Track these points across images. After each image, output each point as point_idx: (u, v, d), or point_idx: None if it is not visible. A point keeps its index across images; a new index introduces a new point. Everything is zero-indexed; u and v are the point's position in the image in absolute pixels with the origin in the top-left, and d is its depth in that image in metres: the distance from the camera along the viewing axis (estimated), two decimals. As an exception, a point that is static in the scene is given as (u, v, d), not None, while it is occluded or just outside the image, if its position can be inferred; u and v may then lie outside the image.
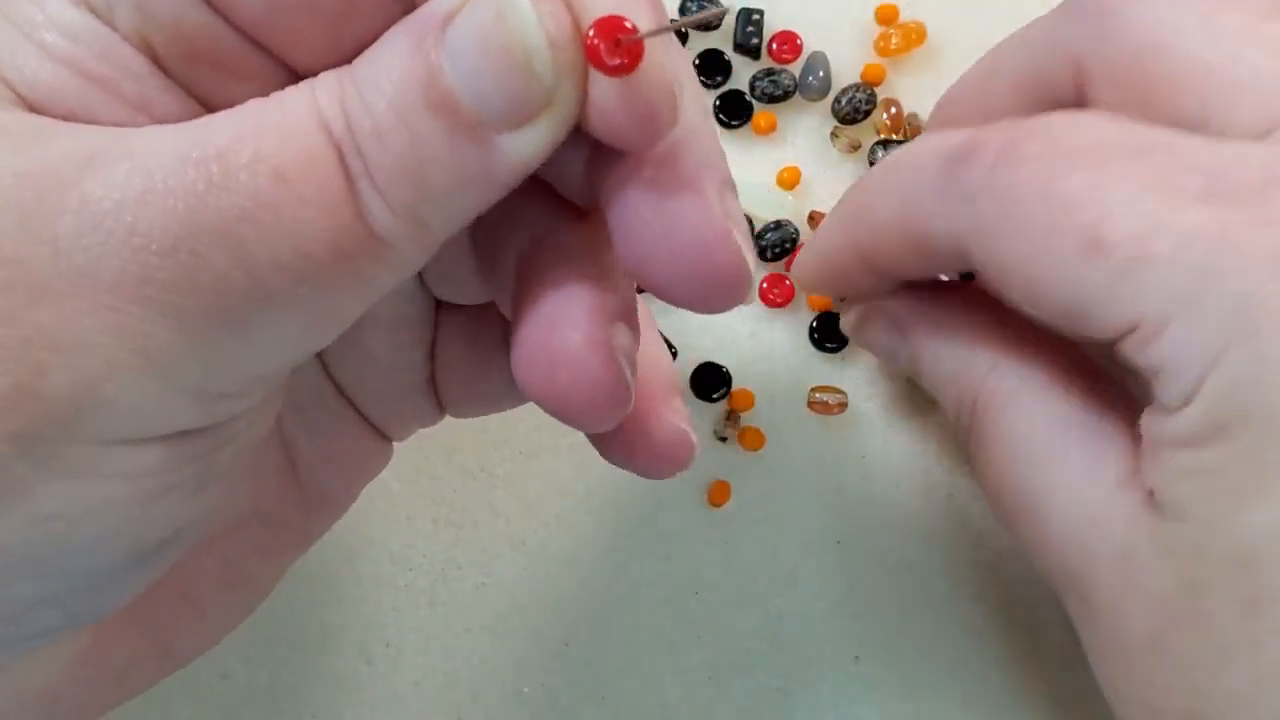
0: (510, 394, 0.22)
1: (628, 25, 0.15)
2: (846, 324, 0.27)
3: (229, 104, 0.16)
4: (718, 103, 0.30)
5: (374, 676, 0.29)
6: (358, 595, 0.29)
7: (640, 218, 0.16)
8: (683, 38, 0.30)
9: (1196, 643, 0.19)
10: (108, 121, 0.16)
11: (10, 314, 0.14)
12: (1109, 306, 0.19)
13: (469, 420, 0.29)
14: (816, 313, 0.29)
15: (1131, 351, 0.19)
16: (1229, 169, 0.19)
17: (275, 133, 0.15)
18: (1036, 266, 0.20)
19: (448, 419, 0.29)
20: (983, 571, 0.29)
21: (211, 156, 0.14)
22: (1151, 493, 0.20)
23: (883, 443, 0.29)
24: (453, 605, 0.29)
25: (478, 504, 0.29)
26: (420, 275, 0.20)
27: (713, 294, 0.17)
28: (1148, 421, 0.20)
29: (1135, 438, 0.21)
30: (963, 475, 0.29)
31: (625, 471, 0.29)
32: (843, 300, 0.28)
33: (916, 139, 0.24)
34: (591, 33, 0.15)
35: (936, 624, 0.29)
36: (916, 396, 0.29)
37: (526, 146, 0.16)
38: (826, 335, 0.29)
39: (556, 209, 0.19)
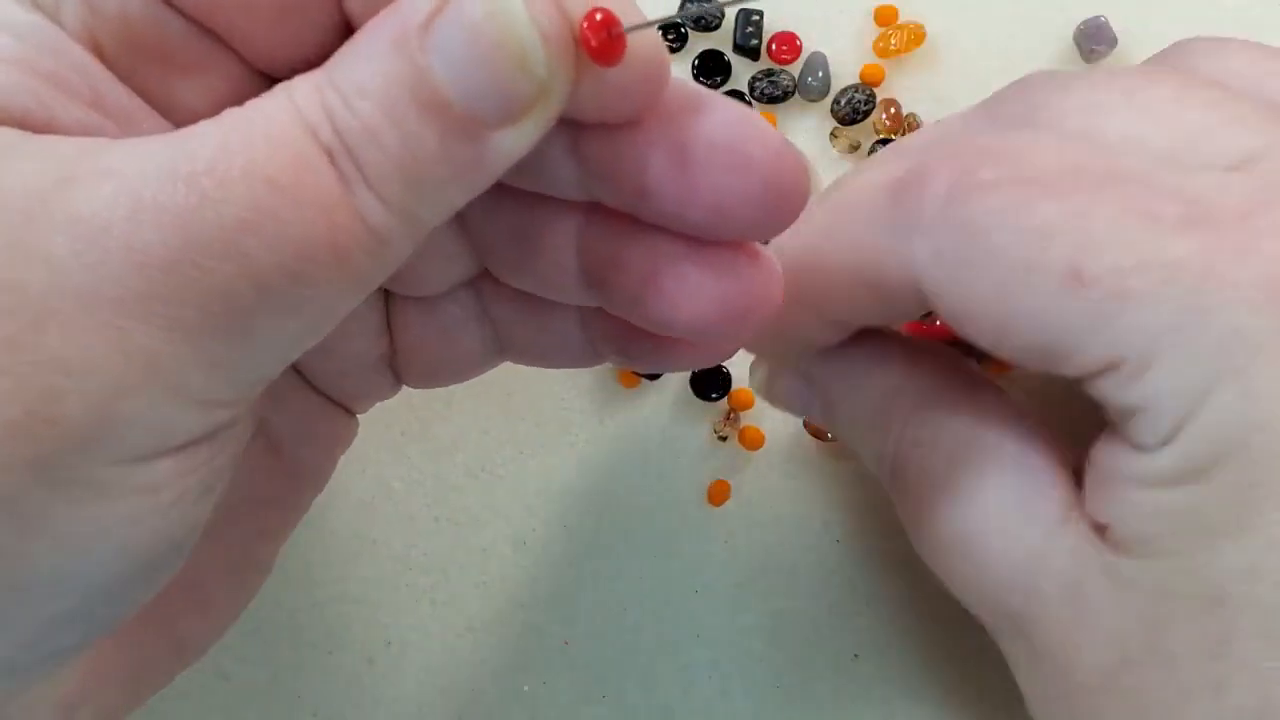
0: (468, 370, 0.23)
1: (618, 18, 0.15)
2: (756, 383, 0.26)
3: (178, 103, 0.17)
4: (717, 103, 0.30)
5: (375, 676, 0.29)
6: (359, 594, 0.29)
7: (696, 157, 0.17)
8: (683, 38, 0.30)
9: (1156, 681, 0.18)
10: (66, 121, 0.16)
11: (16, 340, 0.14)
12: (1090, 343, 0.18)
13: (470, 420, 0.29)
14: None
15: (1110, 390, 0.18)
16: (1207, 195, 0.18)
17: (262, 141, 0.15)
18: (1008, 303, 0.18)
19: (448, 419, 0.29)
20: (982, 571, 0.29)
21: (201, 171, 0.14)
22: (1103, 526, 0.19)
23: (882, 442, 0.29)
24: (453, 604, 0.29)
25: (478, 504, 0.29)
26: None
27: (791, 190, 0.17)
28: (1107, 457, 0.19)
29: (1066, 469, 0.20)
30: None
31: (625, 471, 0.29)
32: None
33: (850, 172, 0.22)
34: (584, 26, 0.15)
35: (936, 623, 0.29)
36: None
37: (517, 139, 0.16)
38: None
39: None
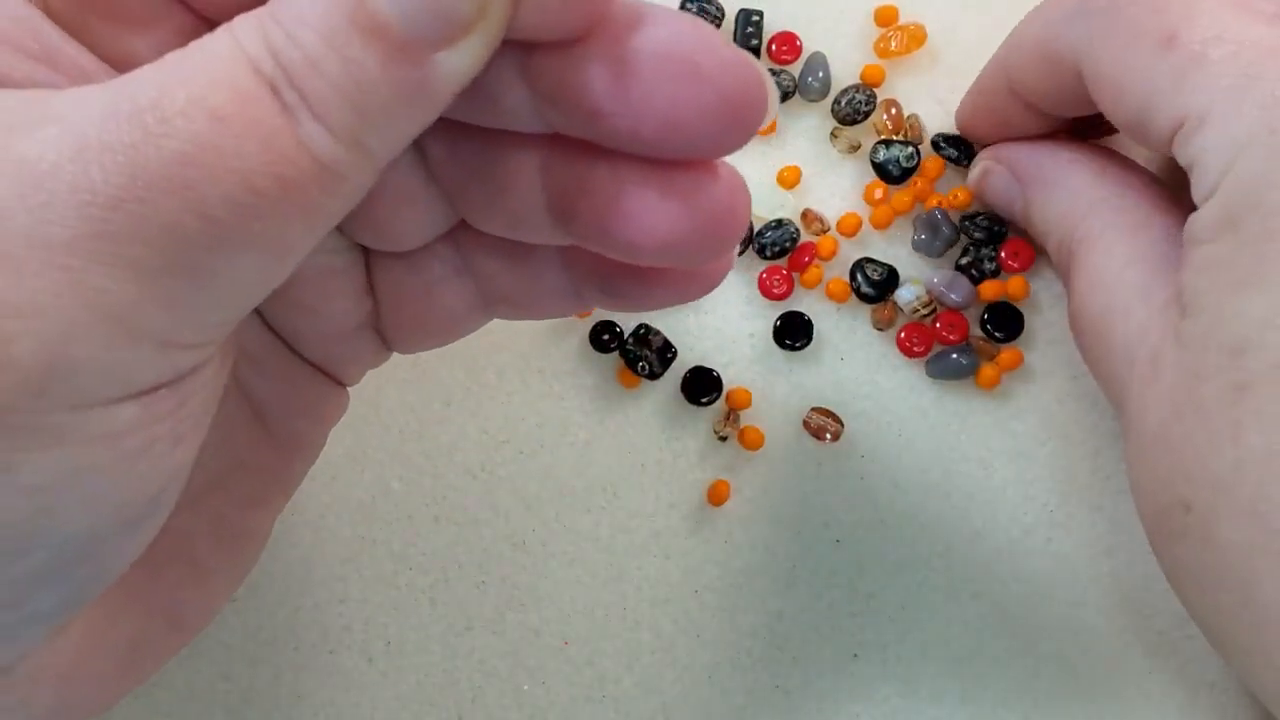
0: (455, 328, 0.22)
1: None
2: (971, 177, 0.29)
3: (129, 56, 0.17)
4: (717, 103, 0.30)
5: (375, 675, 0.29)
6: (359, 594, 0.29)
7: (644, 70, 0.16)
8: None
9: (1191, 430, 0.21)
10: (17, 77, 0.16)
11: None
12: (1168, 102, 0.21)
13: (470, 420, 0.29)
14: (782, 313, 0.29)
15: (1179, 149, 0.21)
16: None
17: (204, 78, 0.15)
18: (1123, 62, 0.22)
19: (448, 419, 0.29)
20: (982, 570, 0.29)
21: (144, 108, 0.14)
22: (1179, 294, 0.22)
23: (881, 442, 0.29)
24: (453, 604, 0.29)
25: (478, 503, 0.29)
26: (341, 227, 0.20)
27: (745, 101, 0.17)
28: (1187, 223, 0.22)
29: None
30: (960, 474, 0.29)
31: (625, 471, 0.29)
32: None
33: None
34: None
35: (935, 623, 0.29)
36: (914, 397, 0.29)
37: (462, 61, 0.16)
38: (788, 333, 0.29)
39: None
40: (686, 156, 0.18)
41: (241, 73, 0.15)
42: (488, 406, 0.29)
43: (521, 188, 0.19)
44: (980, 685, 0.29)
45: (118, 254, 0.14)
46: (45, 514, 0.15)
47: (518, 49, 0.17)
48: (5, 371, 0.14)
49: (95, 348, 0.14)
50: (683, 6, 0.30)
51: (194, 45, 0.15)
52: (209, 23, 0.17)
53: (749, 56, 0.17)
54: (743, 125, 0.17)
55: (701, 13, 0.30)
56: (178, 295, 0.15)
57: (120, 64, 0.17)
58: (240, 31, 0.15)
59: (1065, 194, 0.26)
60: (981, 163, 0.29)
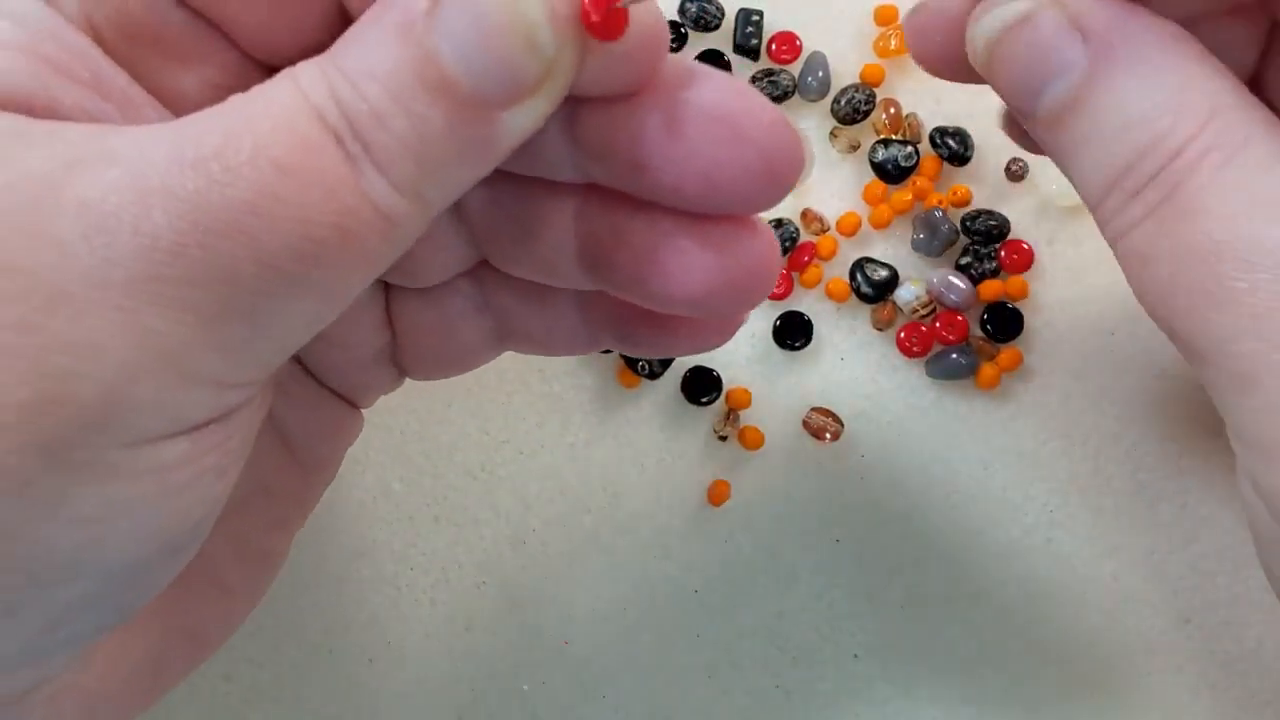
0: (470, 360, 0.23)
1: None
2: (986, 23, 0.19)
3: (177, 91, 0.17)
4: (717, 103, 0.30)
5: (376, 675, 0.29)
6: (360, 594, 0.29)
7: (690, 128, 0.17)
8: (683, 38, 0.30)
9: None
10: (68, 103, 0.16)
11: (27, 322, 0.14)
12: None
13: (470, 420, 0.29)
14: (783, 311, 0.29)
15: None
16: None
17: (268, 126, 0.15)
18: None
19: (448, 419, 0.29)
20: (982, 571, 0.29)
21: (209, 156, 0.15)
22: None
23: (881, 442, 0.29)
24: (453, 604, 0.29)
25: (478, 503, 0.29)
26: None
27: (784, 161, 0.17)
28: None
29: None
30: (960, 474, 0.29)
31: (625, 471, 0.29)
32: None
33: None
34: (585, 1, 0.16)
35: (935, 623, 0.29)
36: (914, 397, 0.29)
37: (526, 118, 0.16)
38: (788, 333, 0.29)
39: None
40: (724, 212, 0.18)
41: (306, 122, 0.15)
42: (488, 407, 0.29)
43: (554, 235, 0.19)
44: (980, 685, 0.29)
45: (176, 297, 0.14)
46: (94, 545, 0.15)
47: (566, 102, 0.17)
48: (63, 409, 0.14)
49: (151, 388, 0.15)
50: (683, 7, 0.30)
51: (256, 91, 0.15)
52: (256, 62, 0.18)
53: (787, 119, 0.17)
54: (780, 184, 0.17)
55: (702, 13, 0.30)
56: (232, 338, 0.15)
57: (168, 97, 0.17)
58: (304, 80, 0.15)
59: (1174, 79, 0.18)
60: (992, 3, 0.19)
